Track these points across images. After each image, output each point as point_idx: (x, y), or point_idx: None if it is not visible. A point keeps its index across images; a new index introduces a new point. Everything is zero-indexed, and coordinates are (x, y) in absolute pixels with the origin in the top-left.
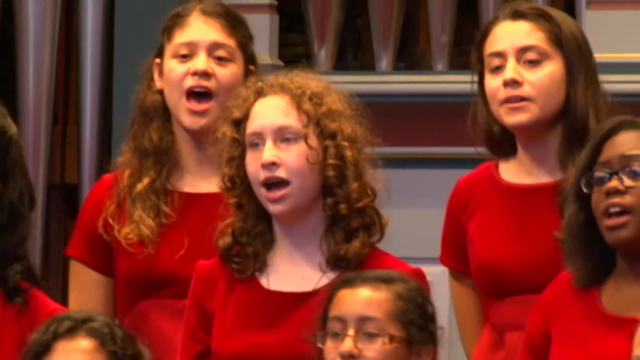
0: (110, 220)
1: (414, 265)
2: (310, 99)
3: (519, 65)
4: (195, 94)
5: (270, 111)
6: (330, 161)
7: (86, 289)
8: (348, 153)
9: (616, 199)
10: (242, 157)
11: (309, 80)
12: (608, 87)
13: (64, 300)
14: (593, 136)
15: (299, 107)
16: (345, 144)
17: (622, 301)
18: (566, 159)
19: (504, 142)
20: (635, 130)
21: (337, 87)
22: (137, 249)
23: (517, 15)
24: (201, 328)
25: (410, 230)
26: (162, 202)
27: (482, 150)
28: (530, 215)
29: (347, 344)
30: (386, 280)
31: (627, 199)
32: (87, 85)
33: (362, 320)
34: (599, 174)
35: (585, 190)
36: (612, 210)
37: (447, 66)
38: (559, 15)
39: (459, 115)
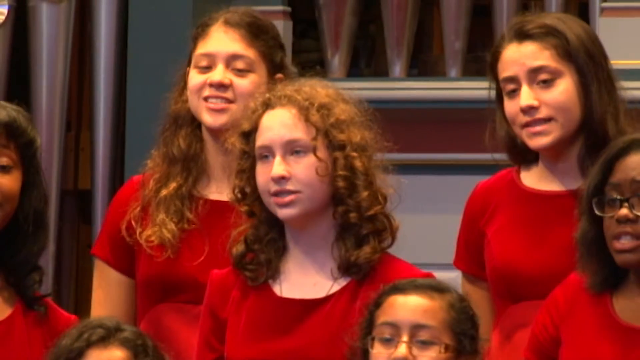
0: (133, 222)
1: (428, 271)
2: (318, 110)
3: (532, 88)
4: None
5: (278, 124)
6: (340, 172)
7: (109, 288)
8: (357, 163)
9: (627, 228)
10: (252, 169)
11: (317, 90)
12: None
13: (76, 306)
14: (604, 153)
15: (307, 119)
16: (354, 154)
17: (636, 311)
18: (588, 168)
19: (526, 152)
20: None
21: (346, 93)
22: (157, 252)
23: (522, 36)
24: (215, 337)
25: (422, 236)
26: (186, 208)
27: (496, 156)
28: (550, 222)
29: (402, 350)
30: (439, 290)
31: (639, 228)
32: (101, 91)
33: (417, 327)
34: (610, 196)
35: (597, 212)
36: (624, 237)
37: (461, 72)
38: (565, 25)
39: (473, 122)
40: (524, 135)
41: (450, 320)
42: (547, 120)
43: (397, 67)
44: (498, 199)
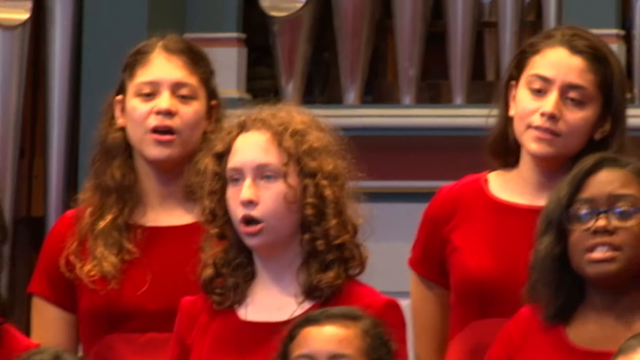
0: (72, 258)
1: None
2: (292, 136)
3: (561, 100)
4: (160, 131)
5: (251, 147)
6: (309, 200)
7: (48, 325)
8: (327, 192)
9: (605, 238)
10: (223, 191)
11: (293, 116)
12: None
13: (28, 334)
14: (573, 171)
15: (279, 144)
16: (325, 182)
17: (590, 335)
18: None
19: (511, 151)
20: (619, 169)
21: (322, 121)
22: (99, 285)
23: (574, 49)
24: None
25: (382, 264)
26: (124, 239)
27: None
28: (526, 237)
29: None
30: (352, 317)
31: (617, 239)
32: (54, 118)
33: (334, 357)
34: (582, 211)
35: (566, 226)
36: (600, 248)
37: (415, 100)
38: (613, 58)
39: (426, 149)
40: (527, 135)
41: (366, 347)
42: (557, 134)
43: (351, 94)
44: (466, 207)
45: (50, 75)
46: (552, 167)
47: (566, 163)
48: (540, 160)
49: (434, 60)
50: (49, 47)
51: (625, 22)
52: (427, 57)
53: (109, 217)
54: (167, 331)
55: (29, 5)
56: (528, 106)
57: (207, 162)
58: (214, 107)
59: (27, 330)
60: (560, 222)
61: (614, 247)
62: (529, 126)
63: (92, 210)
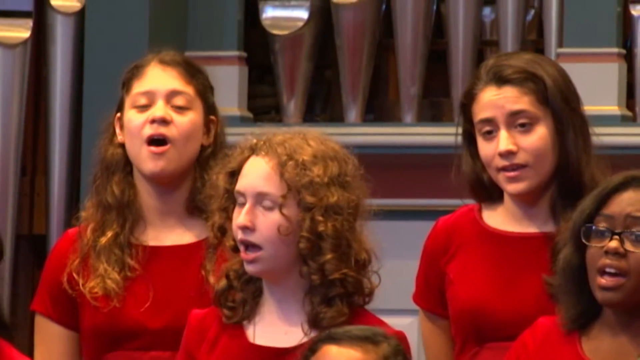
0: (74, 275)
1: (397, 330)
2: (295, 167)
3: (510, 132)
4: (155, 141)
5: (254, 174)
6: (304, 234)
7: (51, 343)
8: (322, 227)
9: (614, 261)
10: (233, 208)
11: (305, 144)
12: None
13: (30, 351)
14: (602, 185)
15: (281, 175)
16: (321, 218)
17: (606, 353)
18: (559, 211)
19: (491, 189)
20: None
21: (339, 150)
22: (102, 302)
23: (501, 80)
24: None
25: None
26: (126, 256)
27: (453, 202)
28: (518, 264)
29: None
30: (374, 341)
31: (625, 263)
32: (56, 135)
33: None
34: (600, 227)
35: (583, 240)
36: (608, 270)
37: (416, 118)
38: (542, 69)
39: (428, 167)
40: (500, 179)
41: None
42: (523, 166)
43: (353, 113)
44: (461, 239)
45: (52, 93)
46: (535, 195)
47: (548, 184)
48: (524, 197)
49: (435, 79)
50: (50, 65)
51: (626, 41)
52: (429, 75)
53: (110, 234)
54: (169, 350)
55: (30, 23)
56: (487, 152)
57: (220, 179)
58: (213, 123)
59: (29, 346)
60: (579, 234)
61: (622, 272)
62: (497, 169)
63: (93, 226)
